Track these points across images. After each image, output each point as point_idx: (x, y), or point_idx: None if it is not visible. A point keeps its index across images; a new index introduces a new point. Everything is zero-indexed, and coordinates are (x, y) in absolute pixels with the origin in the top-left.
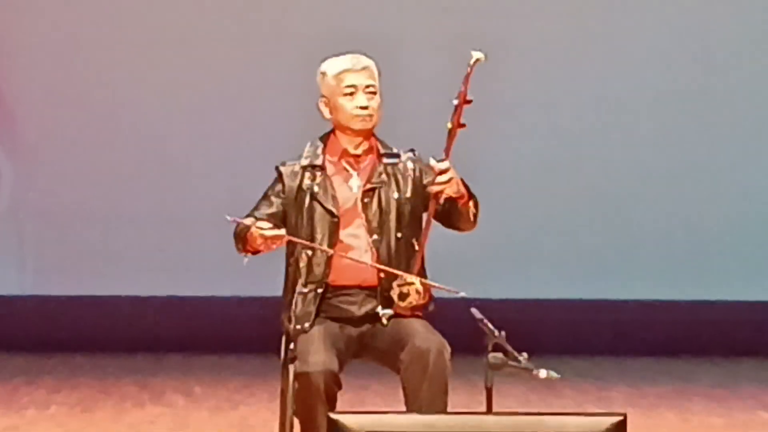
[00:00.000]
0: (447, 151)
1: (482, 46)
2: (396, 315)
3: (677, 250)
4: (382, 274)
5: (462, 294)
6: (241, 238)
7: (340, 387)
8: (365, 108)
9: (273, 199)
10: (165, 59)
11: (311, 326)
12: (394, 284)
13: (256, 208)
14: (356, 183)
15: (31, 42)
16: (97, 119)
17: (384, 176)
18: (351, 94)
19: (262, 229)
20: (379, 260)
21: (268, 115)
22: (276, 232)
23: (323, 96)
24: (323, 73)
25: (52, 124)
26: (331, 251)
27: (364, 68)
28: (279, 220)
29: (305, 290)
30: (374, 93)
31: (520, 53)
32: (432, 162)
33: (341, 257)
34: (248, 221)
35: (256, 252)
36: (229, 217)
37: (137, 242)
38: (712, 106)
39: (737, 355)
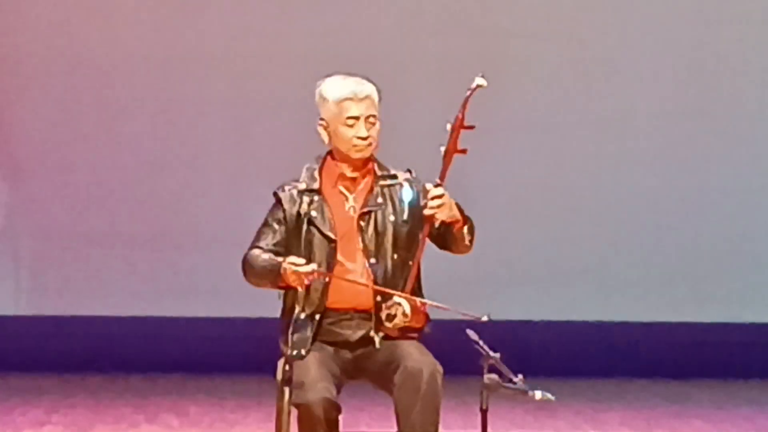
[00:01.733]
0: (442, 175)
1: (480, 66)
2: (389, 337)
3: (674, 272)
4: (378, 297)
5: (485, 318)
6: (265, 275)
7: (339, 412)
8: (365, 138)
9: (276, 226)
10: (164, 79)
11: (308, 352)
12: (383, 305)
13: (258, 237)
14: (353, 206)
15: (29, 62)
16: (94, 139)
17: (380, 199)
18: (353, 125)
19: (296, 264)
20: (376, 282)
21: (266, 136)
22: (310, 268)
23: (323, 119)
24: (324, 98)
25: (48, 143)
26: (327, 274)
27: (365, 97)
28: (283, 248)
29: (302, 315)
30: (374, 122)
31: (518, 73)
32: (427, 185)
33: (344, 280)
34: (279, 259)
35: (282, 288)
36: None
37: (133, 263)
38: (712, 125)
39: (733, 377)
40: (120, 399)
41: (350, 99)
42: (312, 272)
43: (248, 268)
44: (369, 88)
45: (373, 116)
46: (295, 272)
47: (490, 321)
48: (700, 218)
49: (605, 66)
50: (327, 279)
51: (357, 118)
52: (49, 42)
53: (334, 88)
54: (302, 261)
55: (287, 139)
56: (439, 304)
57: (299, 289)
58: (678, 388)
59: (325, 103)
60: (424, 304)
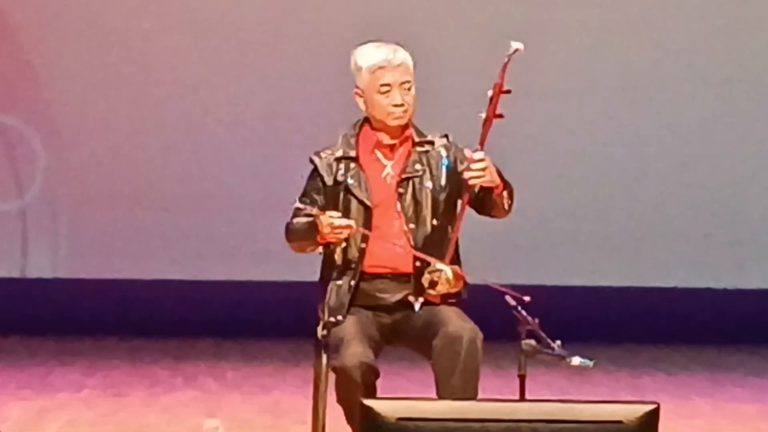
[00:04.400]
0: (482, 141)
1: (516, 33)
2: (428, 302)
3: (712, 238)
4: (418, 263)
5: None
6: (304, 234)
7: (377, 376)
8: (401, 105)
9: (314, 195)
10: (199, 44)
11: (345, 317)
12: (426, 272)
13: (298, 208)
14: (390, 173)
15: (65, 29)
16: (131, 102)
17: (418, 165)
18: (387, 92)
19: (332, 217)
20: (414, 248)
21: (300, 100)
22: (346, 222)
23: (358, 88)
24: (358, 66)
25: (86, 107)
26: (368, 232)
27: (399, 65)
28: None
29: (340, 282)
30: (409, 88)
31: (555, 41)
32: (467, 152)
33: (384, 241)
34: (315, 210)
35: (325, 245)
36: (299, 205)
37: (171, 226)
38: (745, 94)
39: None
40: (157, 362)
41: (383, 67)
42: (347, 226)
43: (289, 234)
44: (402, 55)
45: (408, 82)
46: (330, 224)
47: (532, 300)
48: (738, 183)
49: (640, 34)
50: (364, 244)
51: (391, 85)
52: (87, 6)
53: (368, 56)
54: (338, 214)
55: (323, 103)
56: (485, 281)
57: (336, 243)
58: (716, 354)
59: (360, 71)
60: (462, 270)
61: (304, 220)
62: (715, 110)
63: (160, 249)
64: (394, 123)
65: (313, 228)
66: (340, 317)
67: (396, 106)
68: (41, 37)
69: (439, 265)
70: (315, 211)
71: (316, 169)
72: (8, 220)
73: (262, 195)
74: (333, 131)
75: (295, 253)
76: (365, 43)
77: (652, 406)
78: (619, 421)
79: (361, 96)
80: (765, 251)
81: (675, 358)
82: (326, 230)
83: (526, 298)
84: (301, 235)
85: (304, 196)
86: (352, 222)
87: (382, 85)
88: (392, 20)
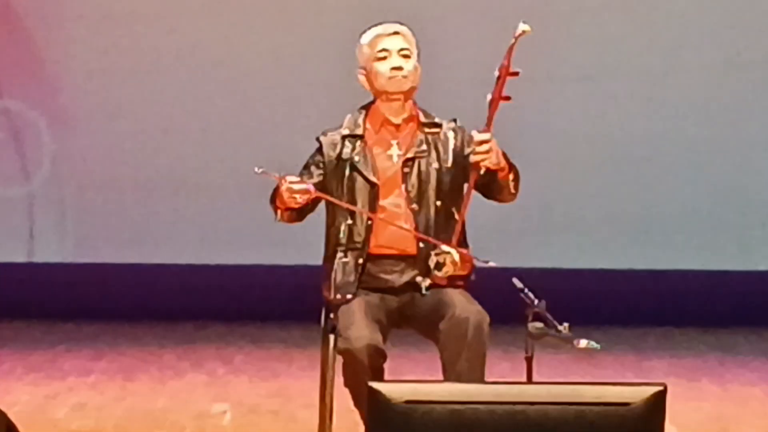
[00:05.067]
0: (488, 122)
1: (524, 14)
2: (436, 285)
3: (720, 220)
4: (421, 244)
5: (492, 264)
6: (273, 198)
7: (385, 359)
8: (400, 69)
9: (313, 169)
10: (205, 27)
11: (353, 297)
12: (432, 253)
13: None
14: (396, 152)
15: (72, 14)
16: (139, 87)
17: (424, 146)
18: (385, 57)
19: (291, 182)
20: (418, 229)
21: (307, 84)
22: (303, 186)
23: (361, 68)
24: (360, 46)
25: (93, 92)
26: (376, 215)
27: (395, 32)
28: (319, 190)
29: (346, 259)
30: (408, 56)
31: (562, 24)
32: (473, 133)
33: (386, 222)
34: (276, 175)
35: (286, 210)
36: (257, 170)
37: (179, 210)
38: (755, 77)
39: None
40: (165, 347)
41: (380, 35)
42: (305, 191)
43: (270, 199)
44: (399, 26)
45: (406, 49)
46: (289, 188)
47: (496, 266)
48: (747, 167)
49: (650, 16)
50: (369, 222)
51: (389, 50)
52: None
53: (367, 33)
54: (297, 179)
55: (331, 88)
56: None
57: (295, 207)
58: (724, 336)
59: (361, 49)
60: (468, 251)
61: (273, 178)
62: (721, 94)
63: (168, 233)
64: (394, 87)
65: (276, 192)
66: (349, 296)
67: (395, 69)
68: (47, 22)
69: (445, 247)
70: (275, 175)
71: (321, 147)
72: (15, 205)
73: (269, 180)
74: (341, 116)
75: (276, 220)
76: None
77: (658, 388)
78: (626, 403)
79: (363, 74)
80: None
81: (682, 340)
82: (286, 194)
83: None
84: (271, 199)
85: (304, 169)
86: (309, 186)
87: (380, 51)
88: (396, 3)
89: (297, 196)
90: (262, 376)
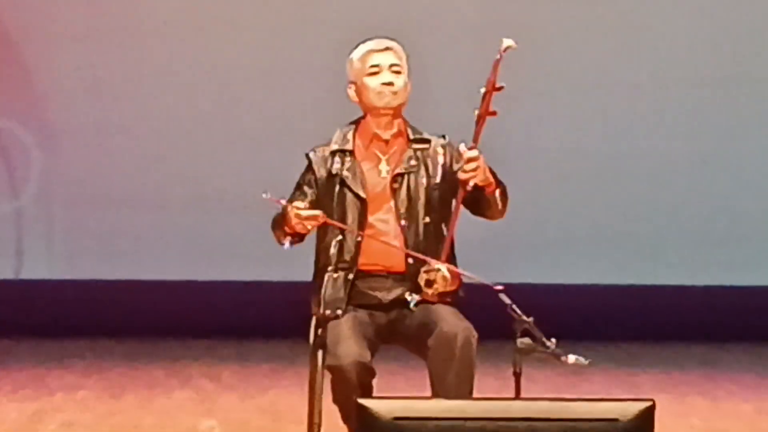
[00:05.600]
0: (475, 138)
1: (511, 31)
2: (424, 301)
3: (706, 235)
4: (410, 260)
5: (489, 282)
6: (279, 224)
7: (373, 375)
8: (390, 84)
9: (306, 189)
10: (193, 44)
11: (343, 313)
12: (421, 270)
13: (291, 198)
14: (385, 168)
15: (61, 31)
16: (127, 103)
17: (413, 161)
18: (376, 73)
19: (298, 208)
20: (407, 246)
21: (296, 100)
22: (312, 212)
23: (351, 82)
24: (350, 61)
25: (81, 108)
26: (365, 234)
27: (387, 48)
28: (314, 209)
29: (335, 275)
30: (399, 72)
31: (548, 38)
32: (461, 148)
33: (376, 240)
34: (284, 201)
35: (294, 235)
36: (267, 195)
37: (166, 227)
38: (742, 91)
39: (767, 340)
40: (153, 363)
41: (372, 50)
42: (313, 217)
43: (271, 225)
44: (390, 42)
45: (397, 65)
46: (297, 215)
47: (504, 289)
48: (735, 182)
49: (639, 30)
50: (359, 239)
51: (380, 66)
52: (81, 6)
53: (358, 48)
54: (305, 205)
55: (320, 104)
56: (468, 273)
57: (304, 233)
58: (712, 351)
59: (352, 64)
60: (457, 268)
61: (281, 206)
62: (712, 108)
63: (156, 250)
64: (383, 102)
65: (283, 218)
66: (338, 312)
67: (385, 84)
68: (36, 39)
69: (435, 264)
70: (283, 202)
71: (310, 164)
72: (3, 222)
73: (257, 196)
74: (330, 132)
75: (278, 244)
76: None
77: (647, 404)
78: (615, 419)
79: (353, 89)
80: (760, 248)
81: (670, 355)
82: (294, 220)
83: (498, 287)
84: (275, 225)
85: (297, 189)
86: (318, 212)
87: (371, 67)
88: (386, 19)
89: (306, 222)
90: (250, 393)
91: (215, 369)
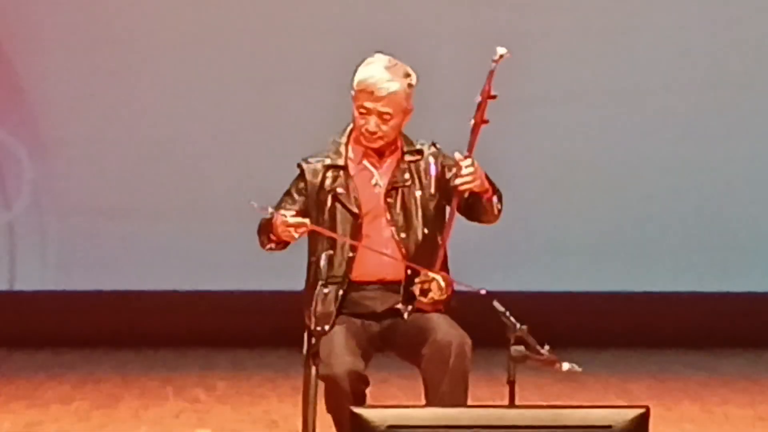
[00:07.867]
0: (471, 147)
1: (505, 40)
2: (418, 309)
3: (699, 242)
4: (409, 271)
5: (484, 291)
6: (264, 230)
7: (367, 384)
8: (373, 133)
9: (296, 196)
10: (185, 55)
11: (332, 327)
12: (416, 280)
13: (279, 205)
14: (379, 182)
15: (53, 42)
16: (118, 114)
17: (407, 175)
18: (364, 114)
19: (285, 216)
20: (406, 256)
21: (292, 109)
22: (299, 220)
23: (352, 96)
24: (355, 74)
25: (73, 119)
26: (355, 243)
27: (384, 96)
28: (302, 216)
29: (326, 290)
30: (388, 120)
31: (542, 47)
32: (457, 156)
33: (366, 248)
34: (271, 210)
35: (279, 242)
36: (255, 204)
37: (159, 237)
38: (734, 98)
39: (760, 346)
40: (147, 374)
41: (367, 91)
42: (300, 224)
43: (258, 228)
44: (394, 87)
45: (388, 114)
46: (284, 222)
47: (488, 294)
48: (726, 189)
49: (632, 38)
50: (352, 253)
51: (370, 111)
52: (72, 17)
53: (363, 71)
54: (292, 213)
55: (315, 111)
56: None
57: (290, 241)
58: (705, 358)
59: (352, 83)
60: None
61: (268, 214)
62: (703, 116)
63: (149, 261)
64: (365, 144)
65: (269, 225)
66: (327, 326)
67: (368, 132)
68: (27, 50)
69: (431, 273)
70: (271, 209)
71: (303, 174)
72: None
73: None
74: (325, 140)
75: (263, 249)
76: (379, 51)
77: (641, 411)
78: (609, 426)
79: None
80: (752, 255)
81: (664, 362)
82: (281, 228)
83: (483, 290)
84: (261, 230)
85: (286, 195)
86: (306, 221)
87: (361, 107)
88: (381, 28)
89: (291, 229)
90: (245, 402)
91: (209, 379)
